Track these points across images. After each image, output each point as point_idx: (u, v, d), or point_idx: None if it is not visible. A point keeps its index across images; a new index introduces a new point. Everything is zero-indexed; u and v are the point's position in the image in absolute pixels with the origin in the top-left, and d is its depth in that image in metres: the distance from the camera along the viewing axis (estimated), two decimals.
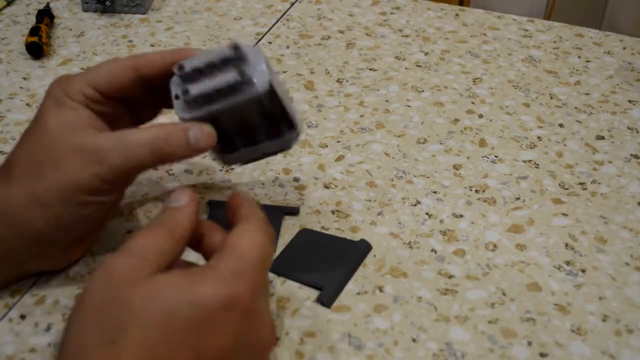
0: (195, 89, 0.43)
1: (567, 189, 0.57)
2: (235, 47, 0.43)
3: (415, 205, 0.55)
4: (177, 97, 0.44)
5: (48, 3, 0.80)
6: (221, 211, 0.53)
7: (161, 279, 0.35)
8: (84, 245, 0.48)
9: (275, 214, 0.53)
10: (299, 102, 0.66)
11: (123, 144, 0.42)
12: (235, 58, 0.43)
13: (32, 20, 0.80)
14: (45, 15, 0.77)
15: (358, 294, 0.47)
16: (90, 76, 0.45)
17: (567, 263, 0.50)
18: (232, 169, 0.57)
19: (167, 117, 0.49)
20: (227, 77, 0.43)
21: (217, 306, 0.35)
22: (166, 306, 0.34)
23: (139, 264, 0.35)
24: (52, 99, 0.45)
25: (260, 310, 0.37)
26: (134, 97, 0.47)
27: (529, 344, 0.44)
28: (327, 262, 0.49)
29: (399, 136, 0.62)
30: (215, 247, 0.40)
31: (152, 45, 0.75)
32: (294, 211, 0.53)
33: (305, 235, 0.51)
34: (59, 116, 0.44)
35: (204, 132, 0.43)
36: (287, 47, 0.75)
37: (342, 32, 0.78)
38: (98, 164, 0.42)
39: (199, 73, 0.43)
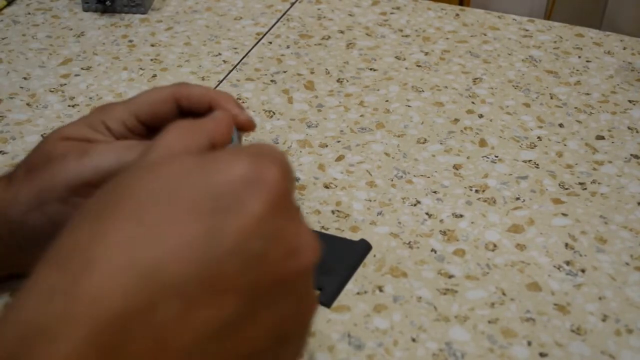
0: None
1: (567, 189, 0.57)
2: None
3: (415, 205, 0.55)
4: None
5: None
6: None
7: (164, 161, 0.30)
8: None
9: None
10: (299, 102, 0.66)
11: (106, 145, 0.42)
12: None
13: (33, 20, 0.80)
14: None
15: (358, 293, 0.47)
16: (132, 105, 0.45)
17: (567, 263, 0.50)
18: None
19: None
20: None
21: (236, 180, 0.27)
22: (171, 181, 0.28)
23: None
24: (87, 123, 0.44)
25: (292, 207, 0.29)
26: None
27: (529, 343, 0.44)
28: (327, 262, 0.49)
29: (399, 136, 0.62)
30: None
31: (152, 45, 0.75)
32: None
33: None
34: (75, 134, 0.43)
35: None
36: (287, 47, 0.75)
37: (342, 32, 0.78)
38: (81, 159, 0.41)
39: None
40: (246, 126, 0.44)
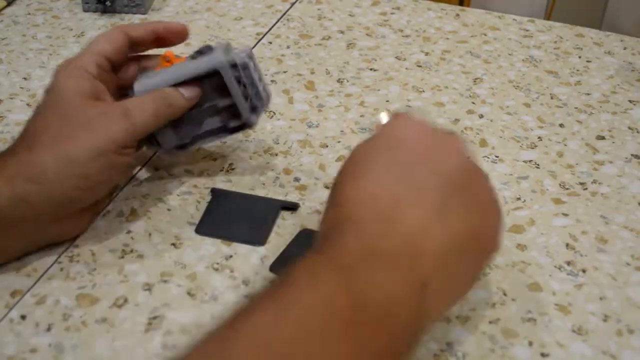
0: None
1: (567, 189, 0.57)
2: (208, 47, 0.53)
3: None
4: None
5: None
6: (224, 201, 0.54)
7: None
8: (94, 212, 0.53)
9: (272, 207, 0.53)
10: (299, 102, 0.66)
11: (140, 104, 0.49)
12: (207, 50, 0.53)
13: (33, 20, 0.80)
14: None
15: None
16: (96, 48, 0.51)
17: (568, 263, 0.50)
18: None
19: None
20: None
21: (435, 135, 0.42)
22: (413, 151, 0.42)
23: None
24: (64, 75, 0.49)
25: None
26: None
27: (530, 344, 0.44)
28: None
29: None
30: None
31: None
32: (292, 206, 0.54)
33: (306, 235, 0.52)
34: (76, 86, 0.48)
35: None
36: (288, 47, 0.75)
37: (342, 32, 0.78)
38: (125, 119, 0.48)
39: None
40: (182, 34, 0.56)
